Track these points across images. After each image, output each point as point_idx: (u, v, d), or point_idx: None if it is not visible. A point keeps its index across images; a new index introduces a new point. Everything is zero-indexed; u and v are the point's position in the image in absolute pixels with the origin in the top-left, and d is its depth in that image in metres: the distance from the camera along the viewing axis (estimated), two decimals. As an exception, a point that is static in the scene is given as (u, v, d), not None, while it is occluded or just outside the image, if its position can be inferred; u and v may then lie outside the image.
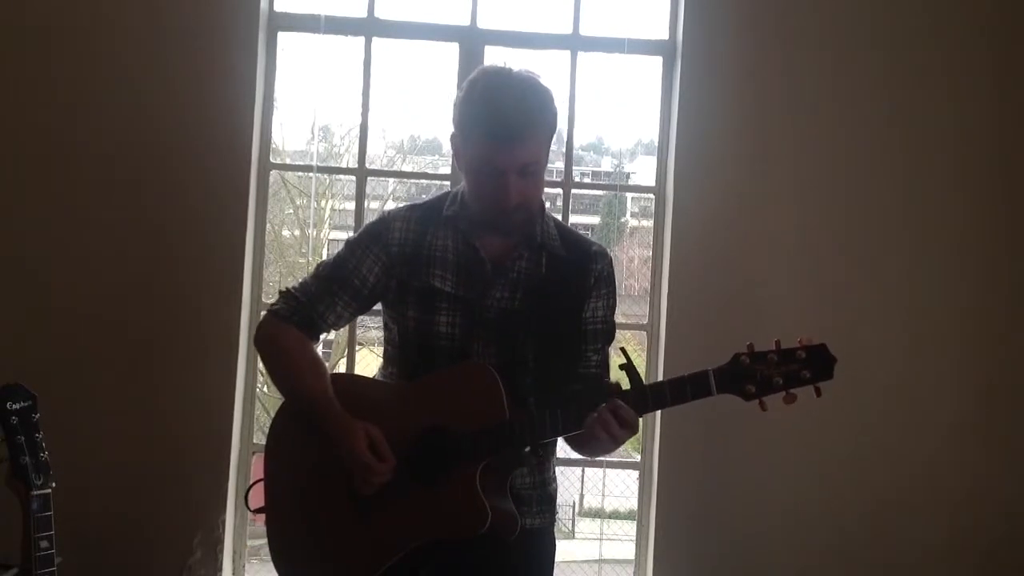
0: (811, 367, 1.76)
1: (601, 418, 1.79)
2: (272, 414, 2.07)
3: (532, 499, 2.01)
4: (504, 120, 1.84)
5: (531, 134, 1.87)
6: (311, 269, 2.10)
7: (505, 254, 1.98)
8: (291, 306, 2.02)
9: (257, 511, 2.07)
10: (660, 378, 3.19)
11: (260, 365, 3.18)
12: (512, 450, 1.88)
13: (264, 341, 2.06)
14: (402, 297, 1.99)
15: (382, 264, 2.00)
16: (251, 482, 2.15)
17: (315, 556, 1.97)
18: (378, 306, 2.10)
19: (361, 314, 2.12)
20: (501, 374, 1.87)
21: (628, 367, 1.83)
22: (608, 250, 2.08)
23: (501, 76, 1.91)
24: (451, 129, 1.97)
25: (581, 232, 2.12)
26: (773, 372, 1.76)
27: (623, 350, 1.90)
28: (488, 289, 1.96)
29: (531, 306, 1.96)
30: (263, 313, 2.13)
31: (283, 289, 2.07)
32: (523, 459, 1.95)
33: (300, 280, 2.08)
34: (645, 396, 1.82)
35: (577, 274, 2.00)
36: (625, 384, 1.85)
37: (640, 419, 1.85)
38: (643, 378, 1.85)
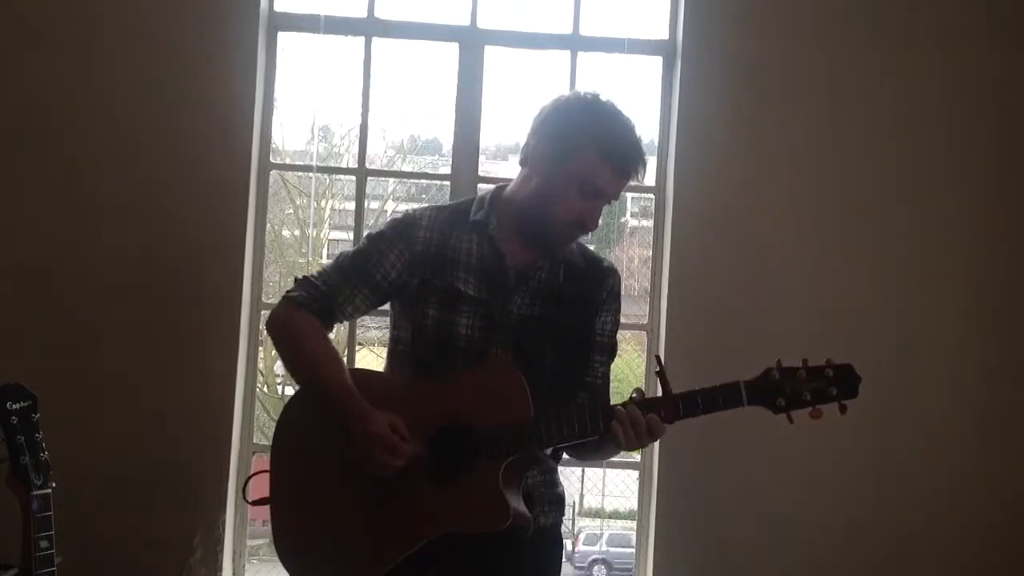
0: (838, 385, 1.82)
1: (634, 421, 1.83)
2: (272, 414, 2.07)
3: (543, 498, 2.02)
4: (630, 154, 1.94)
5: (641, 172, 1.98)
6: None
7: (528, 264, 2.01)
8: (310, 294, 2.00)
9: (257, 503, 2.05)
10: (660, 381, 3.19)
11: (261, 365, 3.19)
12: (534, 451, 1.90)
13: (279, 325, 2.04)
14: (423, 296, 1.99)
15: (404, 261, 2.00)
16: (250, 474, 2.14)
17: (327, 545, 1.95)
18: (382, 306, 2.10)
19: (377, 308, 2.10)
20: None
21: (661, 374, 1.87)
22: (616, 268, 2.13)
23: (613, 109, 1.99)
24: (530, 134, 2.01)
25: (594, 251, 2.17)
26: (802, 388, 1.82)
27: (657, 358, 1.94)
28: (510, 295, 1.99)
29: (548, 313, 1.99)
30: (279, 299, 2.08)
31: (300, 276, 2.05)
32: (540, 460, 1.96)
33: (319, 268, 2.06)
34: (676, 404, 1.85)
35: (592, 285, 2.05)
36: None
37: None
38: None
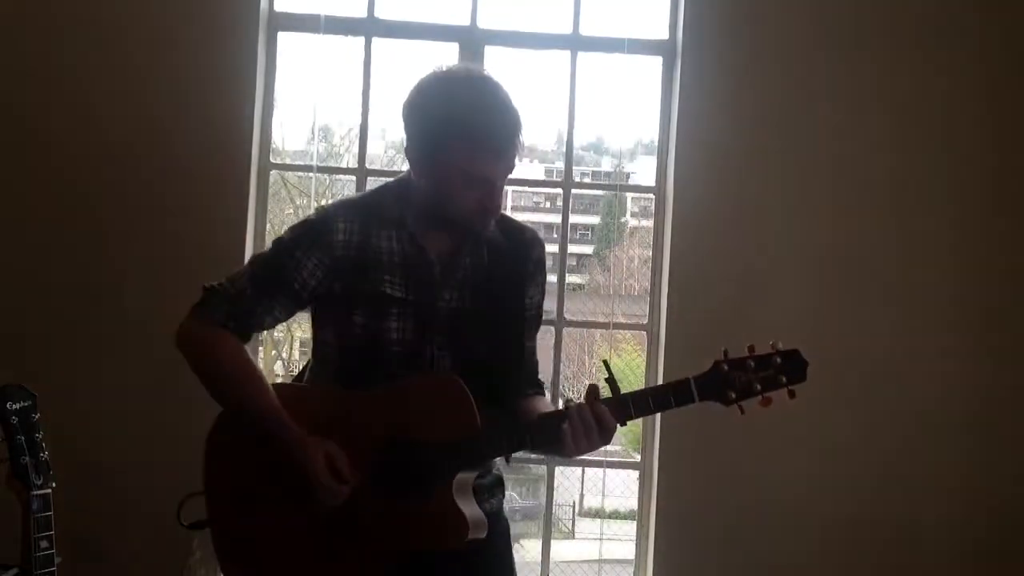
0: (786, 371, 1.79)
1: (583, 422, 1.78)
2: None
3: (484, 485, 1.98)
4: (500, 131, 1.81)
5: (520, 140, 1.85)
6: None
7: (452, 252, 1.94)
8: (224, 310, 1.90)
9: (193, 526, 1.99)
10: (660, 379, 3.19)
11: (260, 365, 3.17)
12: (484, 462, 1.88)
13: (198, 350, 1.94)
14: (348, 303, 1.90)
15: (325, 268, 1.89)
16: (185, 495, 2.02)
17: (281, 569, 1.90)
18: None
19: (296, 314, 2.01)
20: (460, 378, 1.84)
21: (610, 380, 1.82)
22: (539, 234, 2.04)
23: (472, 82, 1.85)
24: (405, 137, 1.87)
25: (515, 219, 2.07)
26: (752, 378, 1.79)
27: (605, 362, 1.87)
28: (438, 290, 1.92)
29: (478, 304, 1.93)
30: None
31: (209, 285, 1.93)
32: (489, 464, 1.95)
33: (229, 277, 1.93)
34: (627, 404, 1.81)
35: (519, 261, 1.98)
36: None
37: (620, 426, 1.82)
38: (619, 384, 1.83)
